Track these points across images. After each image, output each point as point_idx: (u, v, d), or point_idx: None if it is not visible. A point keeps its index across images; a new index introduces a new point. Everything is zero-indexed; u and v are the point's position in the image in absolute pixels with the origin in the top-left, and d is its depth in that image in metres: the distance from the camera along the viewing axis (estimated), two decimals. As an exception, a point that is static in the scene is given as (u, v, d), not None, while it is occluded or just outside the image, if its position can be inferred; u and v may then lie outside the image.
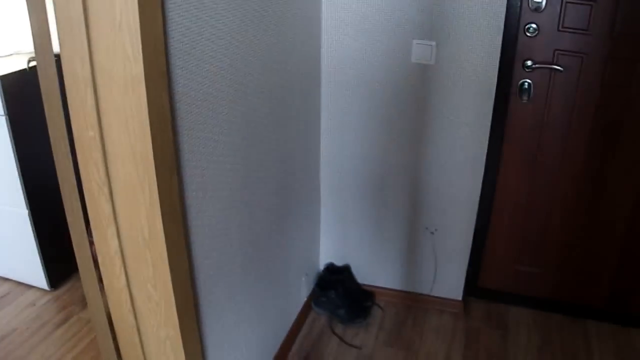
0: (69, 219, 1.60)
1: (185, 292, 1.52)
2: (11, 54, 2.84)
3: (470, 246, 2.64)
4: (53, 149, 1.52)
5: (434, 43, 2.28)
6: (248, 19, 1.67)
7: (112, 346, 1.81)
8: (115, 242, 1.47)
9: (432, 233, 2.64)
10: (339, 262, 2.89)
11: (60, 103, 1.46)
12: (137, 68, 1.22)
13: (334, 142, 2.60)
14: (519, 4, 2.22)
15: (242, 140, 1.76)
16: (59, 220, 2.86)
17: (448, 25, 2.24)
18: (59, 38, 1.28)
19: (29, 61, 2.05)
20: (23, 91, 2.52)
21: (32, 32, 1.42)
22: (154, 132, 1.28)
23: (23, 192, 2.61)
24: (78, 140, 1.39)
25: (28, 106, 2.56)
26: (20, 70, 2.50)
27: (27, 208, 2.65)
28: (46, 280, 2.86)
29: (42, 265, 2.81)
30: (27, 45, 2.89)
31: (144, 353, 1.67)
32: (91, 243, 1.59)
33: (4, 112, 2.44)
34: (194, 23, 1.39)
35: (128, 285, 1.53)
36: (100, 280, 1.63)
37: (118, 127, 1.31)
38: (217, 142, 1.59)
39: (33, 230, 2.70)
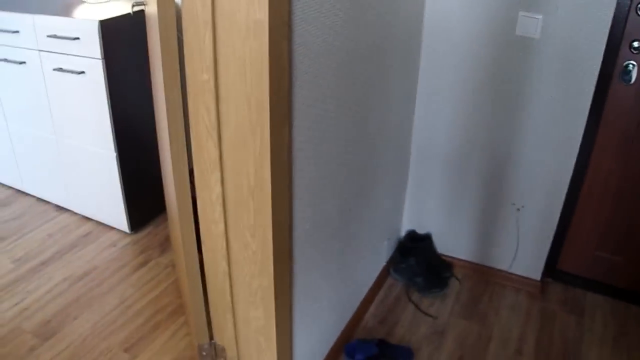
0: (173, 161, 1.61)
1: (283, 244, 1.52)
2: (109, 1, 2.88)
3: (555, 227, 2.57)
4: (165, 91, 1.52)
5: (540, 16, 2.19)
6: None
7: (200, 292, 1.84)
8: (219, 188, 1.47)
9: (518, 210, 2.57)
10: (420, 230, 2.86)
11: (176, 44, 1.46)
12: (261, 13, 1.20)
13: (428, 110, 2.55)
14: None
15: (348, 99, 1.74)
16: (144, 165, 2.95)
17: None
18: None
19: (133, 5, 2.06)
20: (121, 36, 2.56)
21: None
22: (272, 79, 1.26)
23: (113, 135, 2.66)
24: (191, 82, 1.39)
25: (125, 51, 2.59)
26: (121, 15, 2.53)
27: (115, 151, 2.70)
28: (127, 223, 2.93)
29: (124, 208, 2.87)
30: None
31: (232, 302, 1.69)
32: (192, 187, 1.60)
33: (101, 56, 2.48)
34: None
35: (226, 232, 1.54)
36: (197, 229, 1.64)
37: (235, 72, 1.30)
38: (325, 97, 1.57)
39: (119, 173, 2.76)
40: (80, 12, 2.64)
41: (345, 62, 1.64)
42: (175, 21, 1.43)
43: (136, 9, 2.11)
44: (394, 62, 2.13)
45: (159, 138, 2.17)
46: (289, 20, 1.28)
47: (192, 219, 1.69)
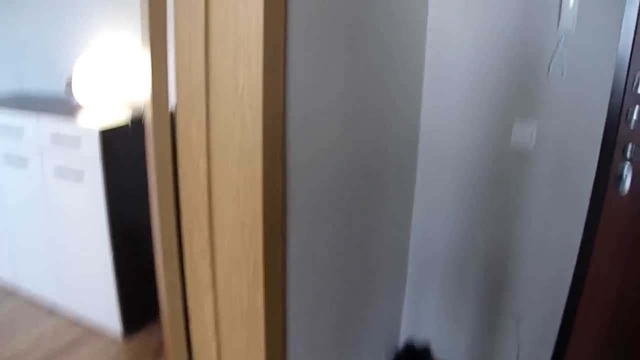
0: (165, 282, 1.59)
1: (276, 368, 1.48)
2: (113, 104, 2.93)
3: (555, 336, 2.51)
4: (157, 208, 1.51)
5: (534, 123, 2.22)
6: (358, 92, 1.66)
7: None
8: (211, 309, 1.44)
9: (518, 317, 2.52)
10: (419, 336, 2.79)
11: (170, 163, 1.47)
12: (255, 140, 1.21)
13: (425, 216, 2.55)
14: (624, 85, 2.15)
15: (344, 213, 1.73)
16: (140, 268, 2.91)
17: (549, 105, 2.18)
18: (176, 100, 1.29)
19: (132, 121, 2.09)
20: (121, 143, 2.58)
21: (150, 87, 1.43)
22: (266, 205, 1.26)
23: (109, 238, 2.64)
24: (185, 202, 1.39)
25: (124, 157, 2.62)
26: (122, 125, 2.57)
27: (111, 253, 2.67)
28: (121, 327, 2.87)
29: (118, 311, 2.82)
30: (130, 96, 2.98)
31: None
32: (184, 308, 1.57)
33: (100, 162, 2.50)
34: (309, 94, 1.38)
35: (219, 355, 1.50)
36: (189, 347, 1.60)
37: (228, 195, 1.30)
38: (320, 214, 1.56)
39: (114, 275, 2.72)
40: (82, 116, 2.68)
41: (340, 177, 1.64)
42: (169, 139, 1.44)
43: (134, 119, 2.14)
44: (391, 171, 2.14)
45: (155, 250, 2.15)
46: (282, 145, 1.29)
47: (183, 339, 1.65)
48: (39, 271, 3.13)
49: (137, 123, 2.29)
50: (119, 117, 2.67)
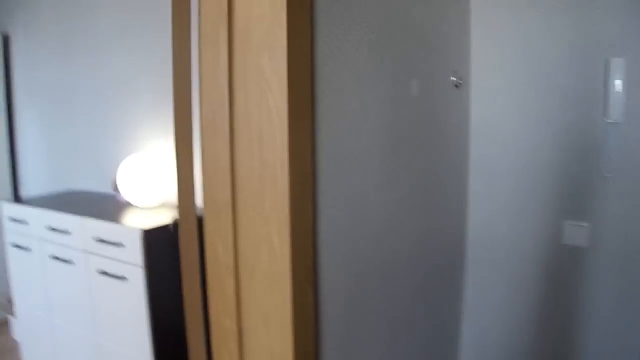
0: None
1: None
2: (159, 206, 2.93)
3: None
4: (187, 332, 1.44)
5: (586, 224, 2.09)
6: (400, 201, 1.58)
7: None
8: None
9: None
10: None
11: (199, 280, 1.40)
12: (283, 264, 1.13)
13: (476, 322, 2.41)
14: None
15: (385, 331, 1.62)
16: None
17: (602, 203, 2.05)
18: (204, 217, 1.23)
19: (174, 223, 2.07)
20: (163, 244, 2.55)
21: (178, 204, 1.39)
22: (296, 333, 1.17)
23: (150, 343, 2.57)
24: (214, 325, 1.31)
25: (166, 259, 2.58)
26: (164, 225, 2.54)
27: (152, 356, 2.60)
28: None
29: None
30: (172, 198, 2.98)
31: None
32: None
33: (142, 264, 2.47)
34: (341, 212, 1.30)
35: None
36: None
37: (257, 321, 1.22)
38: (360, 343, 1.45)
39: (154, 382, 2.64)
40: (128, 216, 2.68)
41: (380, 302, 1.54)
42: (197, 257, 1.38)
43: (175, 220, 2.10)
44: (438, 283, 2.02)
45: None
46: (313, 268, 1.21)
47: None
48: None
49: (177, 225, 2.25)
50: (162, 218, 2.66)
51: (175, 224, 2.13)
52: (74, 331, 3.00)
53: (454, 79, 2.12)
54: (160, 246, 2.55)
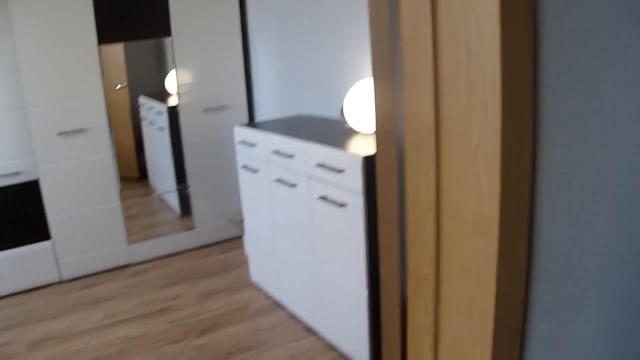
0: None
1: None
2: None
3: None
4: (382, 275, 1.32)
5: None
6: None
7: None
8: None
9: None
10: None
11: (397, 219, 1.27)
12: (491, 207, 0.95)
13: None
14: None
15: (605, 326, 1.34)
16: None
17: None
18: (405, 153, 1.08)
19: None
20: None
21: (375, 135, 1.25)
22: (499, 290, 0.99)
23: (366, 273, 2.54)
24: (411, 273, 1.17)
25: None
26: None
27: (367, 289, 2.57)
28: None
29: (368, 346, 2.70)
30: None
31: None
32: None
33: (363, 192, 2.41)
34: (571, 150, 1.03)
35: None
36: None
37: (457, 272, 1.06)
38: (576, 322, 1.20)
39: (367, 312, 2.61)
40: (351, 142, 2.63)
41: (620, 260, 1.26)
42: (396, 199, 1.24)
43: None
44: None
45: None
46: (530, 216, 1.01)
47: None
48: (300, 294, 3.17)
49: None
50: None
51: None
52: (294, 253, 3.10)
53: None
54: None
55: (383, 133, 1.20)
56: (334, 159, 2.55)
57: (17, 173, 3.63)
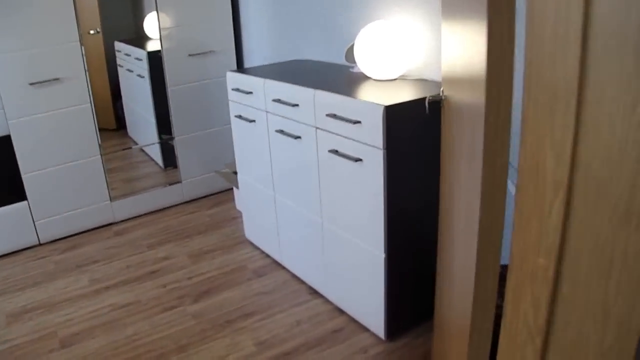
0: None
1: None
2: (395, 79, 2.57)
3: None
4: (477, 264, 1.08)
5: None
6: None
7: None
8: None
9: None
10: None
11: (503, 206, 1.02)
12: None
13: None
14: None
15: None
16: (412, 268, 2.57)
17: None
18: (523, 115, 0.83)
19: (429, 100, 1.69)
20: (405, 124, 2.21)
21: (486, 80, 0.99)
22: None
23: (384, 234, 2.31)
24: (515, 260, 0.93)
25: (407, 140, 2.24)
26: (408, 101, 2.18)
27: (385, 252, 2.34)
28: (384, 328, 2.55)
29: (384, 311, 2.50)
30: (416, 71, 2.60)
31: None
32: None
33: (383, 146, 2.15)
34: None
35: None
36: None
37: (590, 265, 0.82)
38: None
39: (384, 275, 2.40)
40: (364, 90, 2.36)
41: None
42: (507, 147, 0.99)
43: (432, 99, 1.74)
44: None
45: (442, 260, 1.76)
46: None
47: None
48: (303, 255, 2.95)
49: (434, 103, 1.88)
50: (403, 93, 2.30)
51: (436, 102, 1.77)
52: (297, 210, 2.85)
53: None
54: (403, 125, 2.21)
55: (496, 86, 0.93)
56: (348, 108, 2.28)
57: (-16, 129, 3.29)
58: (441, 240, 1.87)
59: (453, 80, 1.59)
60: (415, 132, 2.26)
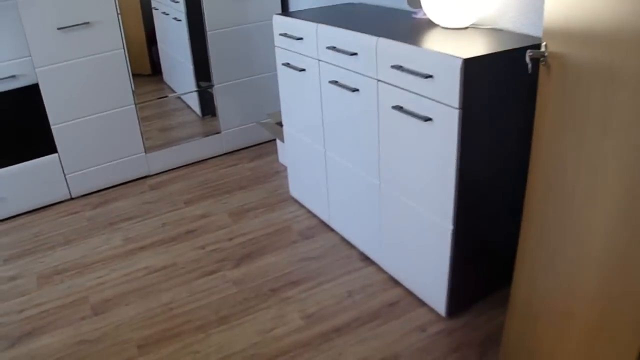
0: None
1: None
2: (466, 27, 2.25)
3: None
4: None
5: None
6: None
7: None
8: None
9: None
10: None
11: None
12: None
13: None
14: None
15: None
16: (481, 240, 2.30)
17: None
18: None
19: (530, 55, 1.40)
20: (484, 80, 1.91)
21: None
22: None
23: (454, 205, 2.04)
24: None
25: (484, 100, 1.95)
26: (489, 54, 1.88)
27: (453, 224, 2.08)
28: (445, 304, 2.30)
29: (446, 287, 2.25)
30: (489, 19, 2.27)
31: None
32: None
33: (458, 105, 1.86)
34: None
35: None
36: None
37: None
38: None
39: (450, 249, 2.14)
40: (433, 40, 2.05)
41: None
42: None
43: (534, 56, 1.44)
44: None
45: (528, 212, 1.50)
46: None
47: None
48: (356, 219, 2.71)
49: (533, 62, 1.56)
50: (478, 45, 1.99)
51: (535, 59, 1.47)
52: (351, 169, 2.60)
53: None
54: (483, 83, 1.91)
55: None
56: (417, 60, 1.98)
57: (12, 77, 3.05)
58: (528, 210, 1.62)
59: (566, 33, 1.30)
60: (495, 91, 1.96)
